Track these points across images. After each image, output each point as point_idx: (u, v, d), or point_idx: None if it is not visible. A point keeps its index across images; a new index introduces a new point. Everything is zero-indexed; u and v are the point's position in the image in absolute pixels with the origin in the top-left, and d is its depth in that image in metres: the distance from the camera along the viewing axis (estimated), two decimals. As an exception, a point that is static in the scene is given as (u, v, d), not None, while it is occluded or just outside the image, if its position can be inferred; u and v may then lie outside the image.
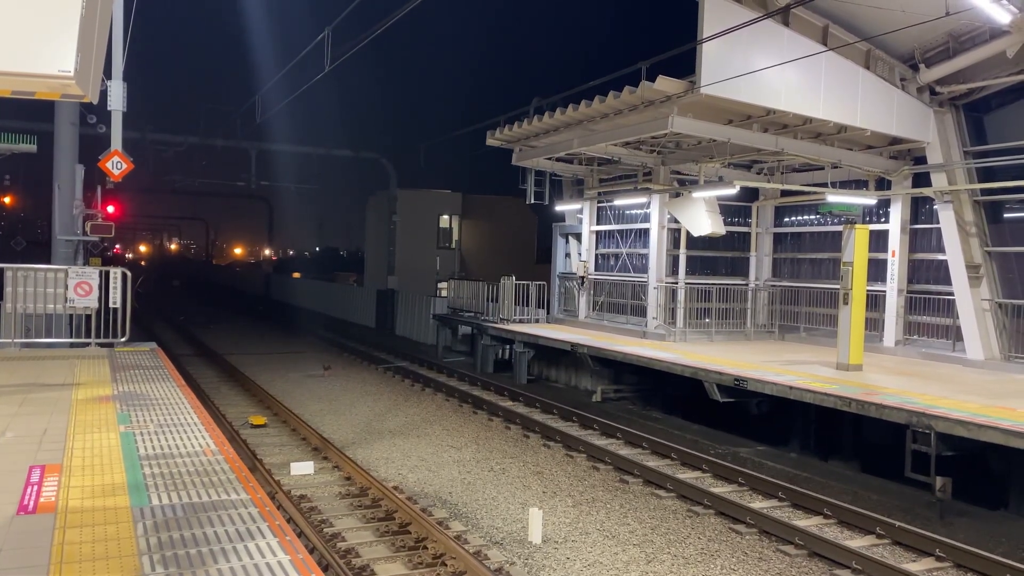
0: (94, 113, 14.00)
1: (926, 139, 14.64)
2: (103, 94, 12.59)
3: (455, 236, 37.60)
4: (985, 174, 14.29)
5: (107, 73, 12.15)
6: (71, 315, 12.04)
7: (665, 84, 12.94)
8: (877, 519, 8.44)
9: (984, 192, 14.17)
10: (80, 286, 11.47)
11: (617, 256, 20.01)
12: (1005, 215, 14.32)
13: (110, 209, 15.24)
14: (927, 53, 14.30)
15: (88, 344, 11.88)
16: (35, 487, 5.08)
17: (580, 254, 20.94)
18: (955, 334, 14.53)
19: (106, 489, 5.08)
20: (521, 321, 20.24)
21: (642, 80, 13.21)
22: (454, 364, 20.27)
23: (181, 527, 4.42)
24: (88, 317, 11.85)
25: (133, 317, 12.45)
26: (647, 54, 13.94)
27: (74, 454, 5.90)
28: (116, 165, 12.93)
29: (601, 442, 12.23)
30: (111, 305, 11.75)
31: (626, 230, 19.68)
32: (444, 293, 27.20)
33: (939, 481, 8.95)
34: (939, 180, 14.61)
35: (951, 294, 14.50)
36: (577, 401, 15.77)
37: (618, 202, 19.53)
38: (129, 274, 12.03)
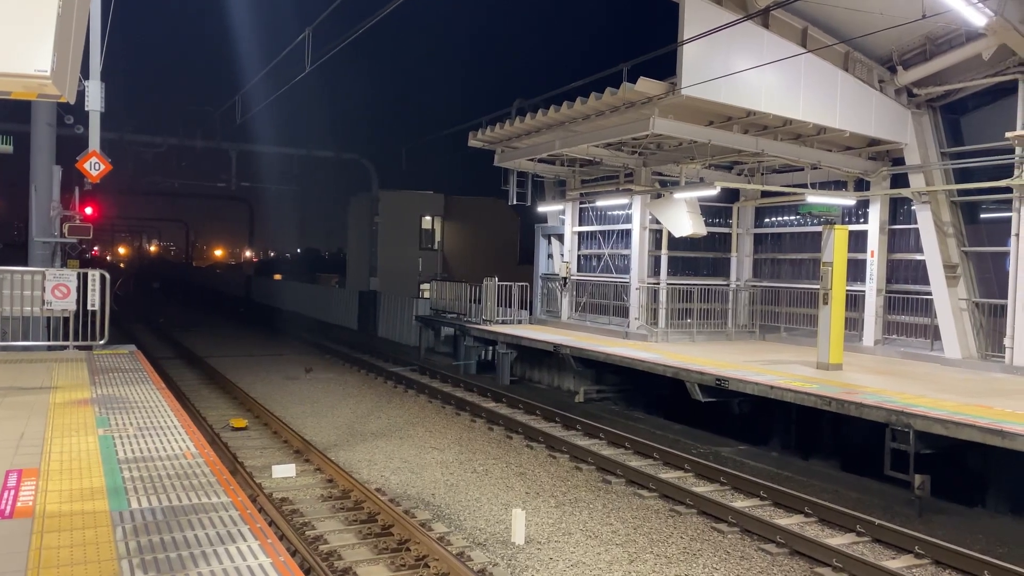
0: (71, 113, 13.88)
1: (904, 140, 14.80)
2: (80, 94, 12.45)
3: (437, 237, 37.55)
4: (962, 175, 14.47)
5: (84, 73, 12.02)
6: (48, 318, 11.91)
7: (646, 86, 12.99)
8: (857, 517, 8.52)
9: (961, 193, 14.34)
10: (57, 288, 11.35)
11: (599, 257, 20.06)
12: (981, 215, 14.51)
13: (88, 211, 15.09)
14: (904, 55, 14.46)
15: (66, 347, 11.76)
16: (12, 492, 5.02)
17: (563, 255, 20.97)
18: (933, 333, 14.70)
19: (84, 493, 5.03)
20: (504, 322, 20.25)
21: (623, 82, 13.26)
22: (436, 365, 20.23)
23: (161, 531, 4.38)
24: (66, 320, 11.73)
25: (112, 320, 12.32)
26: (629, 56, 14.01)
27: (52, 458, 5.83)
28: (94, 166, 12.79)
29: (584, 442, 12.25)
30: (89, 307, 11.63)
31: (608, 231, 19.75)
32: (427, 294, 27.16)
33: (918, 479, 9.04)
34: (917, 181, 14.78)
35: (929, 294, 14.66)
36: (560, 402, 15.79)
37: (600, 203, 19.58)
38: (108, 276, 11.92)
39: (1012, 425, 8.60)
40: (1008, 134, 12.51)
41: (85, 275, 11.64)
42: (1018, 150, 12.81)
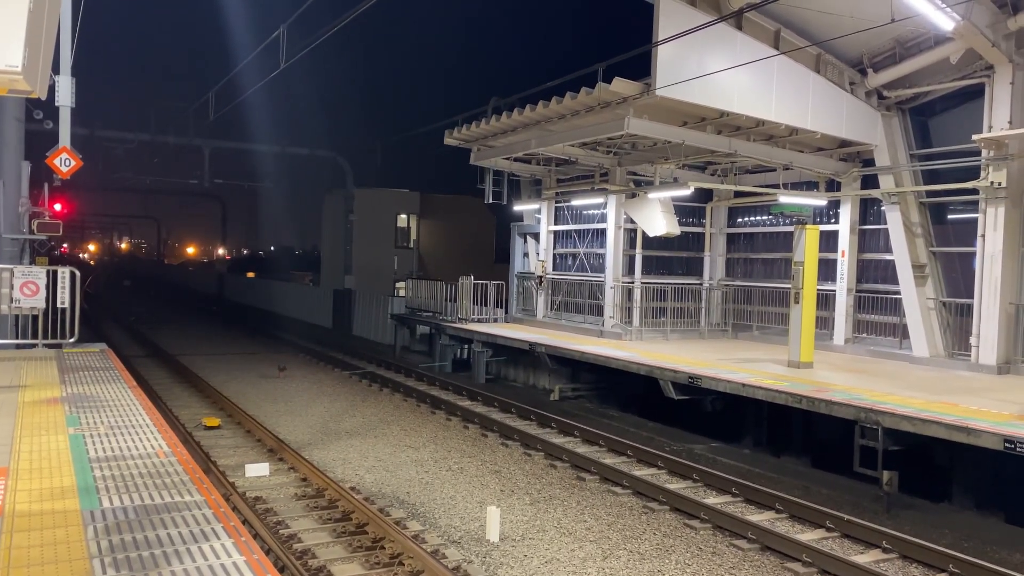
0: (41, 109, 13.64)
1: (874, 142, 15.02)
2: (50, 89, 12.28)
3: (413, 235, 37.44)
4: (930, 176, 14.72)
5: (55, 68, 11.86)
6: (17, 316, 11.73)
7: (621, 86, 13.07)
8: (827, 513, 8.65)
9: (929, 194, 14.59)
10: (26, 286, 11.17)
11: (575, 256, 20.14)
12: (949, 216, 14.77)
13: (57, 207, 14.87)
14: (875, 58, 14.68)
15: (35, 345, 11.59)
16: (-20, 491, 4.96)
17: (538, 254, 21.02)
18: (902, 332, 14.93)
19: (55, 492, 4.98)
20: (479, 321, 20.26)
21: (599, 82, 13.33)
22: (412, 363, 20.20)
23: (133, 529, 4.35)
24: (35, 318, 11.55)
25: (82, 318, 12.17)
26: (604, 56, 14.08)
27: (21, 457, 5.77)
28: (64, 162, 12.62)
29: (558, 440, 12.30)
30: (59, 305, 11.47)
31: (583, 230, 19.83)
32: (402, 293, 27.09)
33: (886, 475, 9.20)
34: (886, 182, 15.00)
35: (898, 293, 14.89)
36: (535, 400, 15.83)
37: (575, 202, 19.66)
38: (78, 274, 11.76)
39: (977, 422, 8.78)
40: (975, 136, 12.76)
41: (54, 272, 11.48)
42: (984, 152, 13.06)
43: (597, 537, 8.25)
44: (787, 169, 16.08)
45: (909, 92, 14.57)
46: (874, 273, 16.02)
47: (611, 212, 17.78)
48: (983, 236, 13.29)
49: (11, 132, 13.82)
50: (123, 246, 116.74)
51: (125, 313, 35.91)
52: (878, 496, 9.47)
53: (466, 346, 19.28)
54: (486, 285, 20.69)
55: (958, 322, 14.22)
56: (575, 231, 20.19)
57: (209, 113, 26.53)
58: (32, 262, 13.98)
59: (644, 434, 13.19)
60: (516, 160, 19.28)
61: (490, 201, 21.02)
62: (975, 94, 13.60)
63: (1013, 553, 7.96)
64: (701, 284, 19.18)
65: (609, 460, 11.15)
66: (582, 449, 11.80)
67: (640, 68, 13.33)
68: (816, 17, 13.80)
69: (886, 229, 15.20)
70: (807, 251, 13.29)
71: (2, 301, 11.09)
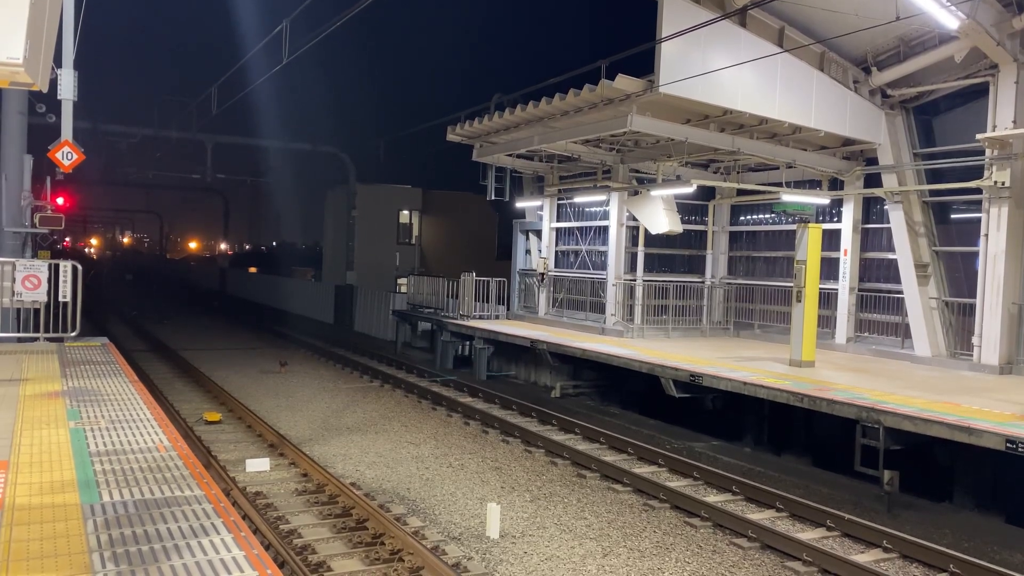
0: (43, 102, 13.63)
1: (877, 140, 14.98)
2: (53, 82, 12.26)
3: (415, 232, 37.42)
4: (933, 175, 14.69)
5: (57, 61, 11.84)
6: (19, 309, 11.73)
7: (624, 83, 13.04)
8: (828, 512, 8.63)
9: (932, 193, 14.56)
10: (28, 279, 11.17)
11: (576, 253, 20.12)
12: (952, 216, 14.74)
13: (60, 201, 14.87)
14: (879, 56, 14.64)
15: (36, 339, 11.59)
16: (-19, 484, 4.95)
17: (540, 251, 21.01)
18: (904, 331, 14.91)
19: (55, 486, 4.98)
20: (481, 317, 20.25)
21: (602, 78, 13.31)
22: (413, 360, 20.20)
23: (133, 524, 4.35)
24: (36, 311, 11.55)
25: (83, 312, 12.16)
26: (608, 53, 14.06)
27: (22, 451, 5.76)
28: (66, 156, 12.59)
29: (559, 437, 12.30)
30: (60, 299, 11.47)
31: (586, 227, 19.81)
32: (404, 289, 27.09)
33: (887, 474, 9.18)
34: (890, 181, 14.97)
35: (900, 292, 14.87)
36: (536, 397, 15.82)
37: (578, 199, 19.64)
38: (79, 267, 11.76)
39: (979, 422, 8.77)
40: (979, 136, 12.73)
41: (56, 266, 11.48)
42: (988, 152, 13.02)
43: (597, 534, 8.25)
44: (790, 167, 16.06)
45: (913, 91, 14.53)
46: (876, 272, 15.99)
47: (613, 209, 17.77)
48: (986, 236, 13.26)
49: (13, 125, 13.82)
50: (125, 240, 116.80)
51: (127, 307, 35.93)
52: (879, 495, 9.45)
53: (467, 343, 19.28)
54: (488, 282, 20.68)
55: (960, 322, 14.19)
56: (577, 228, 20.17)
57: (212, 108, 26.53)
58: (34, 256, 13.99)
59: (645, 432, 13.18)
60: (518, 157, 19.25)
61: (492, 198, 20.98)
62: (979, 93, 13.56)
63: (1014, 553, 7.95)
64: (703, 282, 19.15)
65: (610, 458, 11.14)
66: (583, 446, 11.80)
67: (643, 65, 13.31)
68: (820, 15, 13.76)
69: (889, 228, 15.17)
70: (809, 249, 13.26)
71: (4, 294, 11.08)
